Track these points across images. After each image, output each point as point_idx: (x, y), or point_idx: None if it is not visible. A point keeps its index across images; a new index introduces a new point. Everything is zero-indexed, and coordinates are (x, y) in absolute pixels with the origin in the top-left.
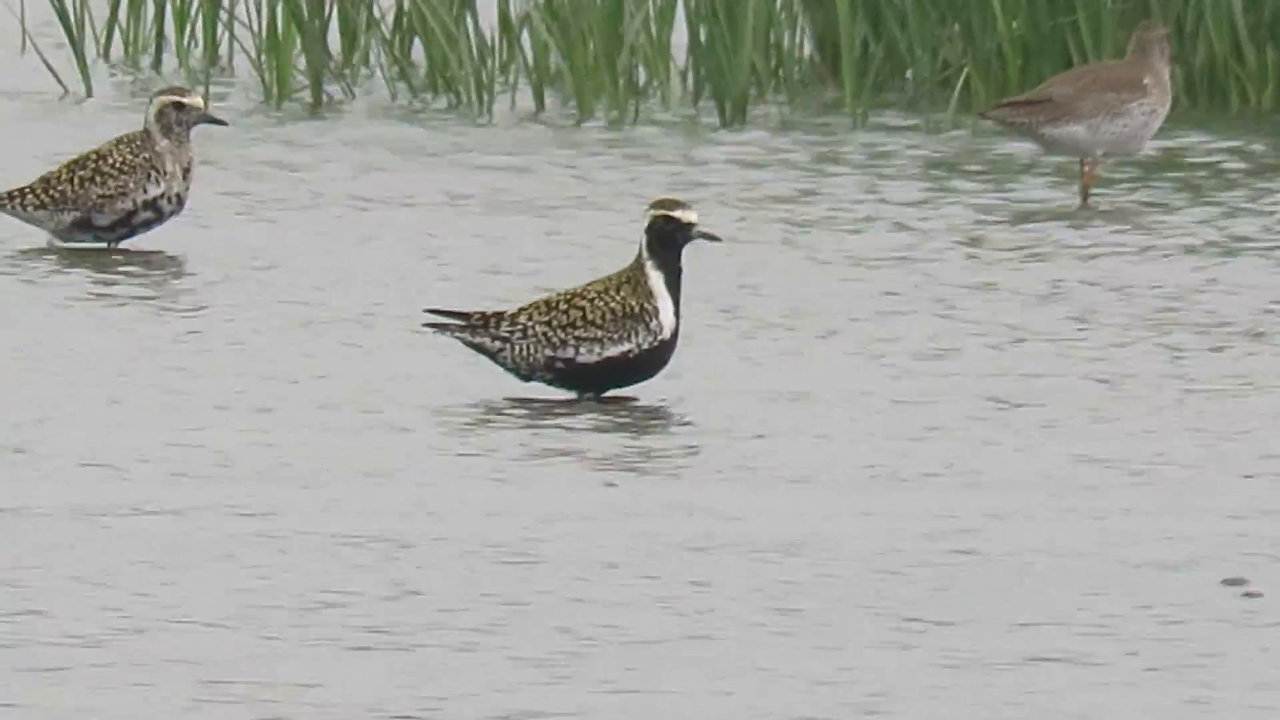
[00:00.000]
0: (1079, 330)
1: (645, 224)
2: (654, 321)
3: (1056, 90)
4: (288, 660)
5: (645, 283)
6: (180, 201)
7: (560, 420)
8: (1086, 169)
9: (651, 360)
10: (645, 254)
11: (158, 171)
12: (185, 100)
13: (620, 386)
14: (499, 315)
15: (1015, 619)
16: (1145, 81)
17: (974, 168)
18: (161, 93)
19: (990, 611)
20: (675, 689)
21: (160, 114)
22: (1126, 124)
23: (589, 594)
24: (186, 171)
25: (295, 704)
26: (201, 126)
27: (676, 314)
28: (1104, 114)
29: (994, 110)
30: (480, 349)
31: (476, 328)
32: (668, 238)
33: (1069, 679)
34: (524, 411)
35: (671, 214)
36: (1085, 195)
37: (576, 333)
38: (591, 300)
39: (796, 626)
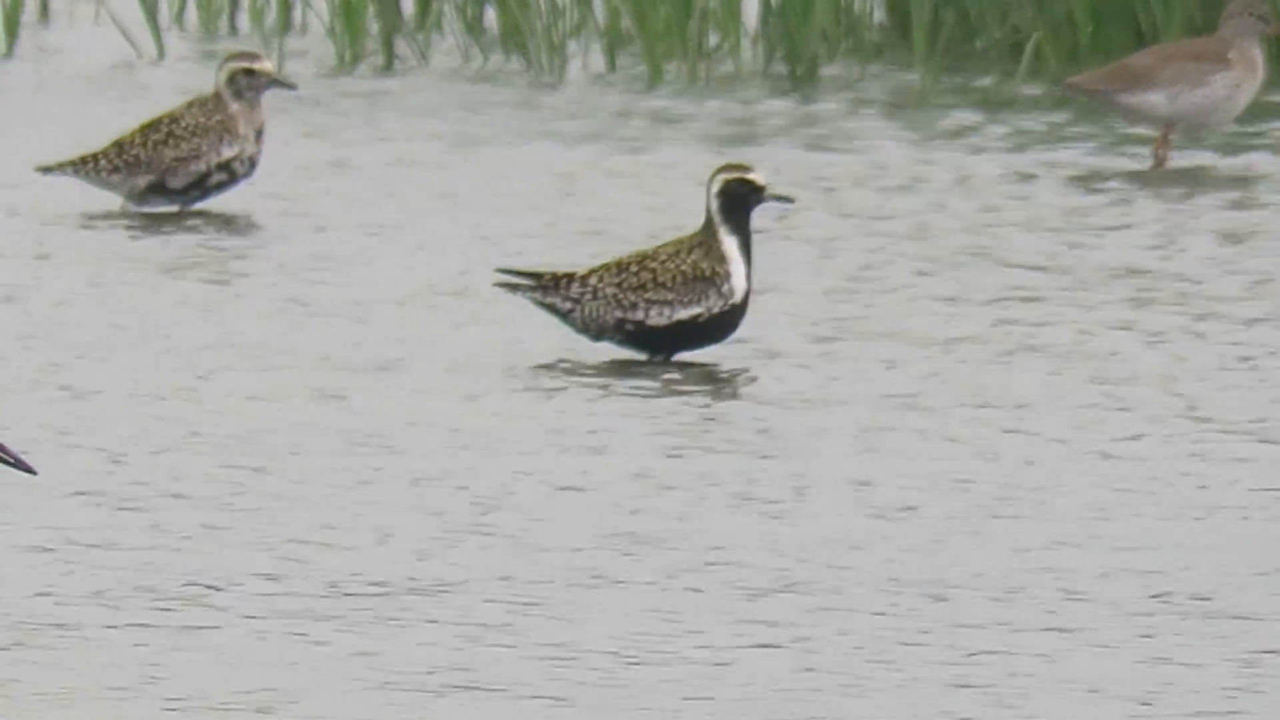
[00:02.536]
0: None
1: (716, 188)
2: (725, 285)
3: (1137, 60)
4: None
5: (718, 246)
6: (253, 164)
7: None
8: (1161, 137)
9: (722, 324)
10: (717, 217)
11: (230, 134)
12: (255, 66)
13: (690, 349)
14: (570, 276)
15: None
16: (1229, 56)
17: (1048, 134)
18: (231, 58)
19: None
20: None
21: (230, 79)
22: (1208, 95)
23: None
24: (259, 134)
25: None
26: (272, 90)
27: (749, 278)
28: (1184, 83)
29: (1075, 78)
30: (551, 309)
31: (547, 288)
32: (740, 201)
33: None
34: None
35: (744, 176)
36: (1159, 162)
37: (647, 295)
38: (662, 262)
39: None
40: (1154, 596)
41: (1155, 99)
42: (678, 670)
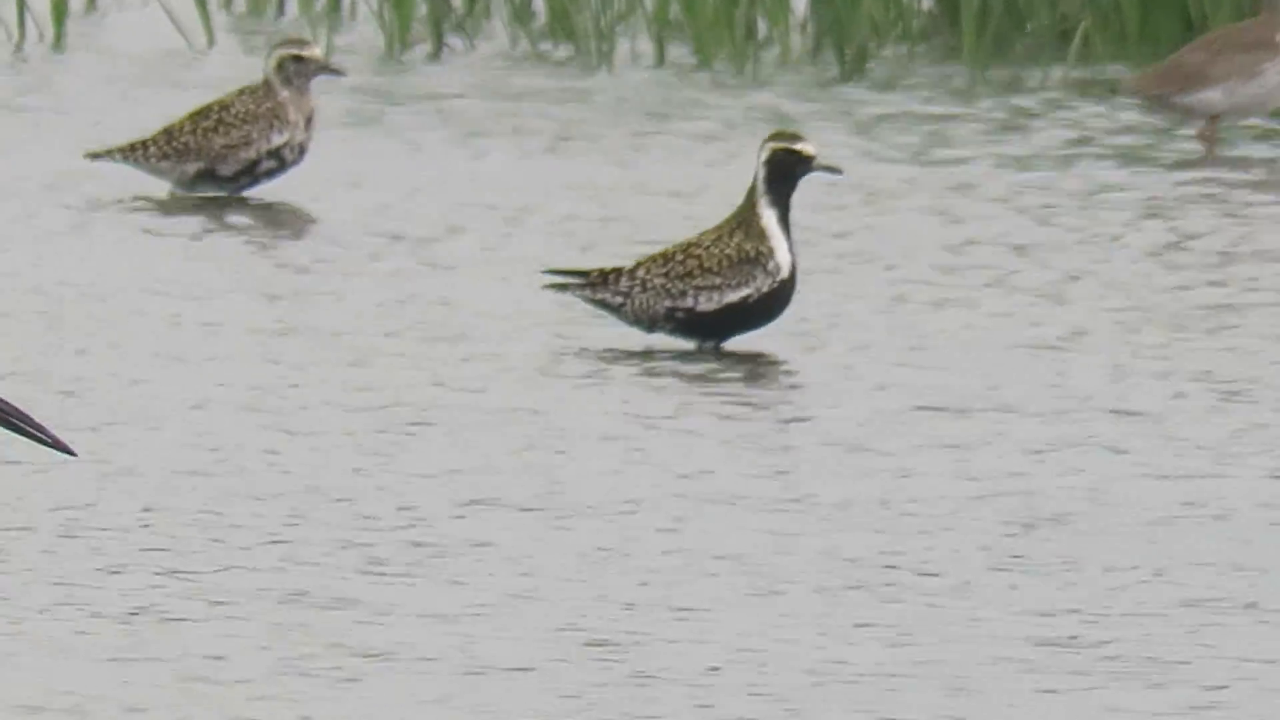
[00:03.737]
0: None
1: (763, 157)
2: (770, 262)
3: (1188, 57)
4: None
5: (758, 223)
6: (303, 150)
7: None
8: (1209, 126)
9: (772, 302)
10: (761, 189)
11: (280, 120)
12: (304, 53)
13: (743, 332)
14: (618, 271)
15: None
16: (1278, 39)
17: (1099, 125)
18: (280, 45)
19: None
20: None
21: (279, 66)
22: (1262, 84)
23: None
24: (309, 121)
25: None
26: (322, 77)
27: (791, 251)
28: (1238, 76)
29: (1129, 83)
30: (602, 305)
31: (596, 284)
32: (787, 171)
33: None
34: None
35: (793, 147)
36: (1209, 150)
37: (694, 282)
38: (706, 248)
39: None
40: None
41: (1212, 96)
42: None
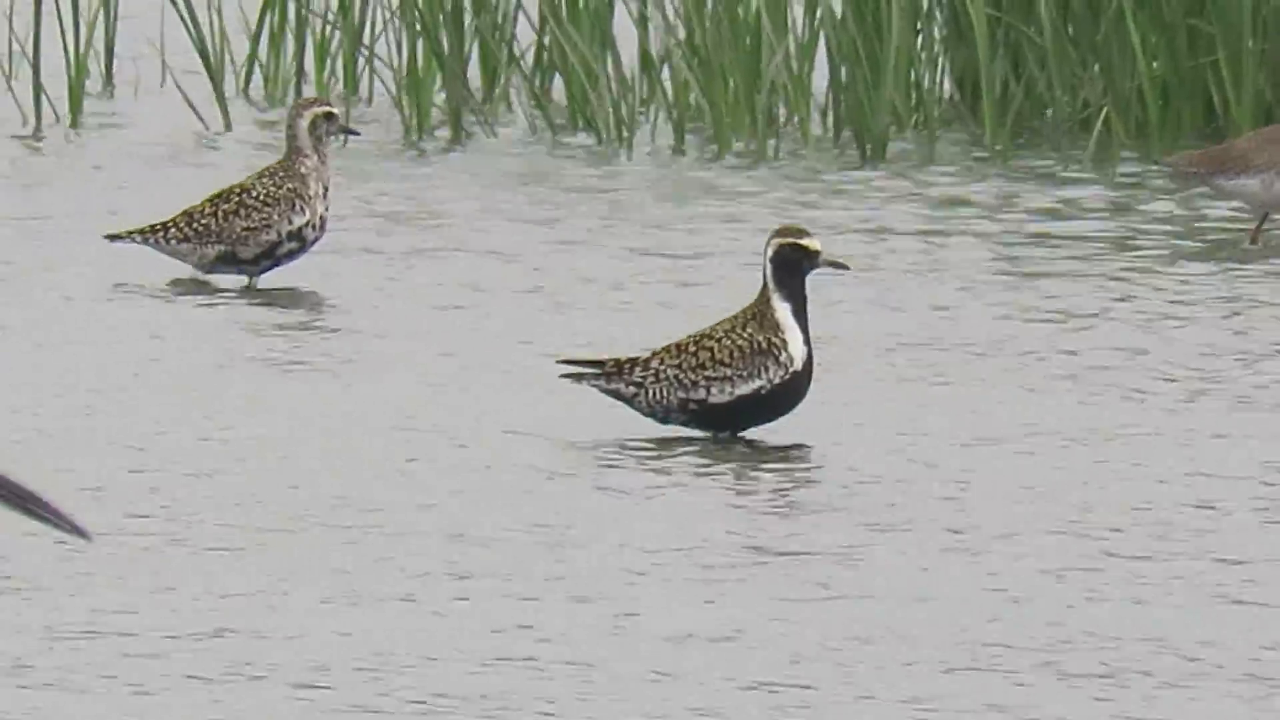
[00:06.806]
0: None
1: (769, 253)
2: (784, 354)
3: (1239, 143)
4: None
5: (771, 315)
6: (323, 224)
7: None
8: (1255, 226)
9: (785, 394)
10: (771, 284)
11: (302, 200)
12: (333, 109)
13: (757, 424)
14: (632, 361)
15: None
16: None
17: (1119, 210)
18: (306, 105)
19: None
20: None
21: (313, 124)
22: None
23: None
24: (326, 191)
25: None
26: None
27: (807, 343)
28: (1277, 170)
29: (1170, 159)
30: (616, 395)
31: (611, 375)
32: (794, 266)
33: None
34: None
35: (799, 242)
36: (1254, 240)
37: (706, 373)
38: (719, 340)
39: None
40: None
41: (1250, 184)
42: None
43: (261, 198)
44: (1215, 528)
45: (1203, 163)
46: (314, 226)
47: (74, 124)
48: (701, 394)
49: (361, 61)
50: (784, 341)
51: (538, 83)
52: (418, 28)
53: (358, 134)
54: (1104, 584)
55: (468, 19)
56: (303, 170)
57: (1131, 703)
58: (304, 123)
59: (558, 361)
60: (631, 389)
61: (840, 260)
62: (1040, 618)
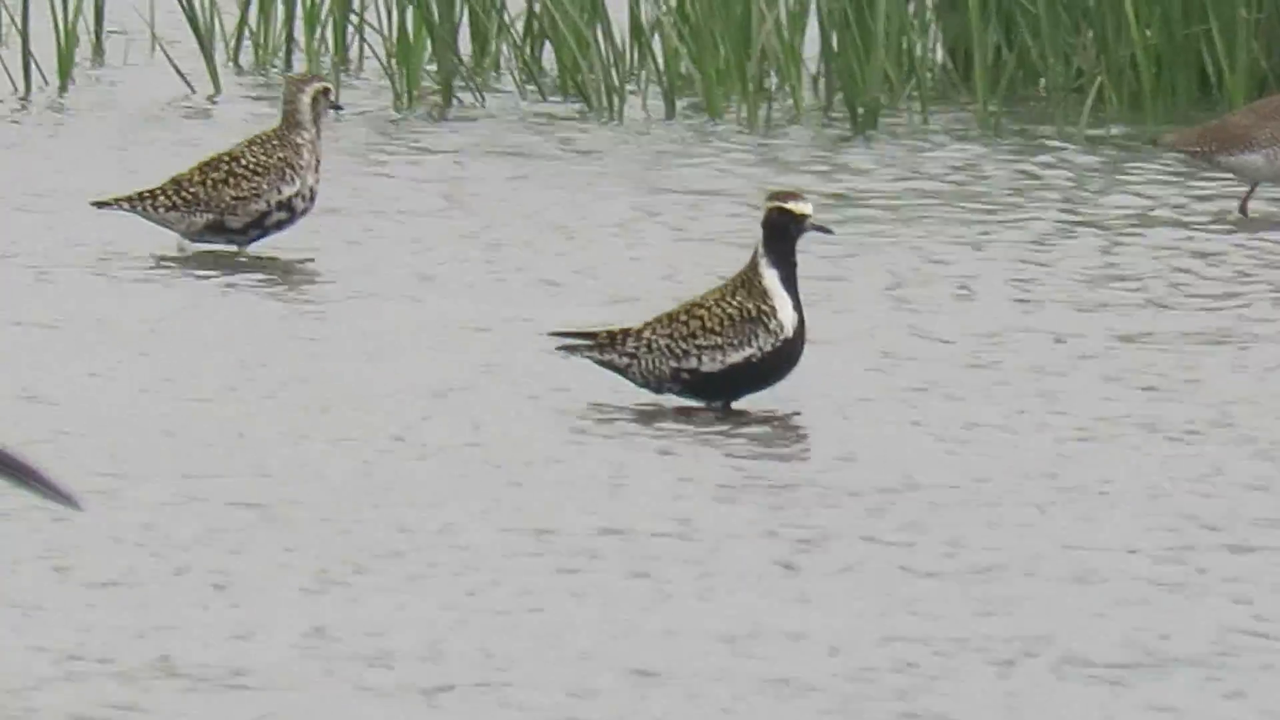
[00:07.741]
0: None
1: (761, 218)
2: (773, 321)
3: (1237, 119)
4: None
5: (760, 283)
6: (313, 196)
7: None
8: (1244, 196)
9: (777, 362)
10: (761, 250)
11: (292, 170)
12: (330, 85)
13: (751, 392)
14: (625, 332)
15: None
16: None
17: (1107, 175)
18: (306, 81)
19: None
20: None
21: (314, 100)
22: None
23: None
24: (318, 163)
25: None
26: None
27: (797, 309)
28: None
29: (1166, 139)
30: (610, 366)
31: (604, 346)
32: (781, 230)
33: None
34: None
35: (784, 205)
36: (1243, 209)
37: (698, 342)
38: (709, 308)
39: None
40: None
41: (1254, 160)
42: None
43: (251, 166)
44: (1225, 526)
45: (1203, 140)
46: (304, 197)
47: (63, 90)
48: (693, 363)
49: (351, 29)
50: (772, 309)
51: (528, 51)
52: None
53: (342, 109)
54: (1098, 564)
55: None
56: (298, 140)
57: (1127, 701)
58: (306, 98)
59: (551, 334)
60: (625, 359)
61: (824, 225)
62: (1039, 598)
